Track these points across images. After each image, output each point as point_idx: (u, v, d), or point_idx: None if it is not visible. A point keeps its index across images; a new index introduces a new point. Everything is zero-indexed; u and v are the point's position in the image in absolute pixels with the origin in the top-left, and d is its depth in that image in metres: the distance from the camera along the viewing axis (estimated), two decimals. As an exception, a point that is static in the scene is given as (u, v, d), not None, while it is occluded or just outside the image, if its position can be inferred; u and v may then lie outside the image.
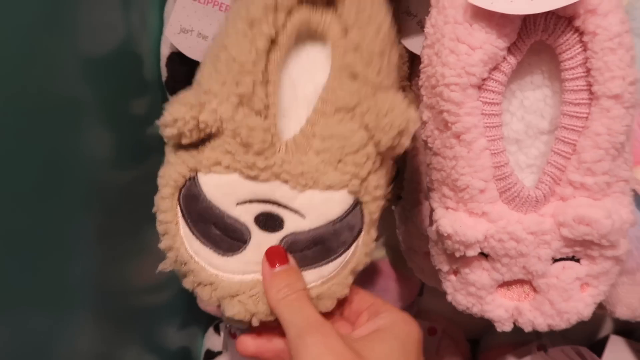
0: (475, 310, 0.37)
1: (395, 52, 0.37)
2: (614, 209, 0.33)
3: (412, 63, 0.52)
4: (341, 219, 0.34)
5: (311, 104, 0.35)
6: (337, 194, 0.34)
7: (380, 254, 0.63)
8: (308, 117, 0.35)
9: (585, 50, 0.32)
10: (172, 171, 0.34)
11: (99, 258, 0.46)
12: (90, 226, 0.44)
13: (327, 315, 0.35)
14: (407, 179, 0.49)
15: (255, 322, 0.34)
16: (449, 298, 0.38)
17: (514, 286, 0.36)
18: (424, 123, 0.37)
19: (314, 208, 0.34)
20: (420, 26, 0.48)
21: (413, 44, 0.48)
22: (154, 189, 0.55)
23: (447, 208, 0.36)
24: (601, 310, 0.44)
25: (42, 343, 0.39)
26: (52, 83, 0.38)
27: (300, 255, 0.34)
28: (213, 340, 0.71)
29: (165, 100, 0.53)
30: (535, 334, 0.64)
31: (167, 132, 0.33)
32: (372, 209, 0.35)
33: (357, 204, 0.35)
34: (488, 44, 0.32)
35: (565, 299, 0.34)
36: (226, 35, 0.35)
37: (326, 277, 0.35)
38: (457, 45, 0.33)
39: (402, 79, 0.51)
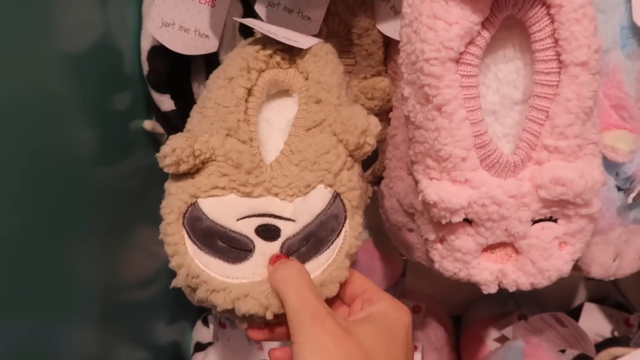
0: (462, 275, 0.39)
1: (350, 89, 0.44)
2: (586, 170, 0.35)
3: (386, 48, 0.54)
4: (325, 211, 0.38)
5: (286, 133, 0.41)
6: (316, 191, 0.38)
7: (364, 236, 0.65)
8: (285, 141, 0.40)
9: (552, 22, 0.35)
10: (174, 200, 0.38)
11: (85, 255, 0.46)
12: (75, 223, 0.44)
13: (331, 299, 0.38)
14: (388, 157, 0.50)
15: (269, 315, 0.35)
16: (436, 266, 0.40)
17: (497, 249, 0.38)
18: (405, 99, 0.38)
19: (301, 211, 0.38)
20: (394, 11, 0.50)
21: (387, 28, 0.50)
22: (140, 184, 0.56)
23: (431, 179, 0.37)
24: (577, 272, 0.47)
25: (32, 340, 0.39)
26: (32, 81, 0.38)
27: (298, 254, 0.37)
28: (202, 333, 0.71)
29: (147, 94, 0.54)
30: (515, 306, 0.67)
31: (167, 161, 0.36)
32: (351, 197, 0.38)
33: (336, 196, 0.38)
34: (463, 19, 0.34)
35: (545, 257, 0.37)
36: (209, 92, 0.42)
37: (325, 264, 0.37)
38: (434, 22, 0.34)
39: (378, 64, 0.53)
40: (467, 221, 0.37)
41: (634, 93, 0.42)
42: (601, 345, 0.63)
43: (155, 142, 0.58)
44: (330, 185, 0.38)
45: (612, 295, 0.72)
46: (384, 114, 0.54)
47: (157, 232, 0.39)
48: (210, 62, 0.53)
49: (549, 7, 0.35)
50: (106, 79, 0.49)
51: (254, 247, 0.37)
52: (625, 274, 0.48)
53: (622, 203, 0.44)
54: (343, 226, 0.38)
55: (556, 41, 0.35)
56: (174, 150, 0.36)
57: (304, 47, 0.42)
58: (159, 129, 0.54)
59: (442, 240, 0.39)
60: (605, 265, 0.46)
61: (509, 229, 0.36)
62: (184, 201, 0.37)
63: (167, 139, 0.54)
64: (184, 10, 0.50)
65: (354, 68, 0.53)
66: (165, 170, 0.37)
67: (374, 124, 0.38)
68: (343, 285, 0.38)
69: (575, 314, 0.71)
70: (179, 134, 0.38)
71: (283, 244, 0.37)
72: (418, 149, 0.38)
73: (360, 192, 0.39)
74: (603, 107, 0.42)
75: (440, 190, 0.36)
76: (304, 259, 0.37)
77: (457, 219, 0.36)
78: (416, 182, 0.39)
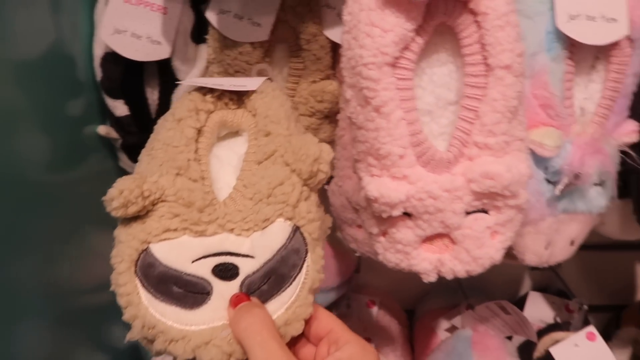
0: (404, 265, 0.41)
1: (299, 122, 0.44)
2: (513, 164, 0.38)
3: (334, 52, 0.56)
4: (285, 246, 0.37)
5: (237, 169, 0.40)
6: (275, 225, 0.37)
7: (318, 234, 0.67)
8: (238, 176, 0.39)
9: (479, 28, 0.38)
10: (124, 248, 0.36)
11: (40, 260, 0.46)
12: (31, 229, 0.44)
13: (297, 338, 0.37)
14: (337, 157, 0.53)
15: None
16: (380, 258, 0.43)
17: (435, 240, 0.41)
18: (347, 101, 0.41)
19: (260, 247, 0.37)
20: (340, 17, 0.52)
21: (334, 34, 0.53)
22: (94, 189, 0.56)
23: (372, 175, 0.40)
24: (513, 260, 0.50)
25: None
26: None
27: (259, 292, 0.36)
28: (162, 335, 0.72)
29: (101, 99, 0.55)
30: (464, 296, 0.70)
31: (114, 204, 0.35)
32: (311, 230, 0.37)
33: (296, 229, 0.37)
34: (398, 26, 0.37)
35: (478, 246, 0.39)
36: (157, 134, 0.41)
37: (288, 302, 0.36)
38: (371, 29, 0.37)
39: (326, 68, 0.55)
40: (407, 215, 0.40)
41: (559, 93, 0.45)
42: (544, 331, 0.67)
43: (110, 147, 0.58)
44: (290, 219, 0.37)
45: (554, 284, 0.76)
46: (333, 115, 0.56)
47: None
48: (163, 67, 0.54)
49: (475, 14, 0.38)
50: (59, 85, 0.50)
51: (212, 289, 0.36)
52: (558, 261, 0.52)
53: (551, 195, 0.47)
54: (305, 260, 0.37)
55: (483, 46, 0.38)
56: (121, 192, 0.35)
57: (253, 88, 0.42)
58: (114, 134, 0.55)
59: (384, 234, 0.42)
60: (538, 253, 0.49)
61: (445, 221, 0.39)
62: (135, 248, 0.36)
63: (121, 143, 0.56)
64: (136, 17, 0.51)
65: (304, 72, 0.55)
66: (113, 214, 0.35)
67: (326, 151, 0.38)
68: (308, 322, 0.37)
69: (522, 302, 0.75)
70: (127, 176, 0.37)
71: (242, 282, 0.36)
72: (360, 148, 0.41)
73: (320, 222, 0.39)
74: (531, 106, 0.45)
75: (380, 186, 0.38)
76: (266, 297, 0.36)
77: (396, 212, 0.39)
78: (360, 179, 0.42)
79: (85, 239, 0.55)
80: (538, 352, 0.65)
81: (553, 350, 0.61)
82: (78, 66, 0.53)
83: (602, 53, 0.48)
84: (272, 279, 0.36)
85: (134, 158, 0.57)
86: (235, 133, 0.44)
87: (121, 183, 0.35)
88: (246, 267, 0.36)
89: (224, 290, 0.36)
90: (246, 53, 0.52)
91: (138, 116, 0.54)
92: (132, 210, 0.35)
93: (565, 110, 0.46)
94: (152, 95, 0.56)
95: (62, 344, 0.51)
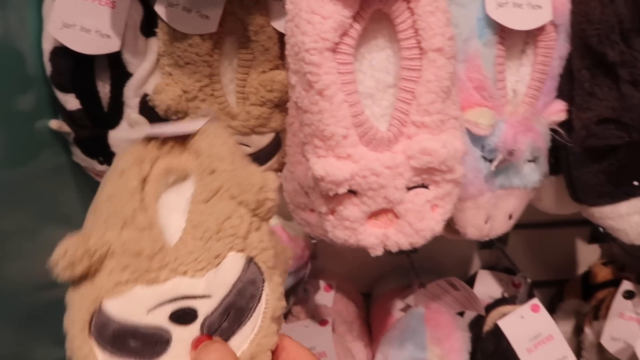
0: (352, 241, 0.44)
1: (244, 156, 0.42)
2: (448, 141, 0.41)
3: (282, 43, 0.58)
4: (240, 278, 0.36)
5: (186, 212, 0.38)
6: (227, 260, 0.36)
7: (275, 221, 0.69)
8: (186, 219, 0.38)
9: (412, 14, 0.40)
10: (76, 312, 0.34)
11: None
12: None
13: None
14: (288, 144, 0.54)
15: None
16: (330, 235, 0.45)
17: (380, 215, 0.43)
18: (293, 87, 0.43)
19: (215, 284, 0.35)
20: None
21: (281, 24, 0.55)
22: (50, 183, 0.57)
23: (319, 156, 0.42)
24: (456, 235, 0.53)
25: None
26: None
27: (220, 331, 0.35)
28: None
29: (53, 93, 0.55)
30: (416, 276, 0.73)
31: (60, 265, 0.33)
32: (265, 259, 0.37)
33: (249, 260, 0.36)
34: (336, 13, 0.39)
35: (420, 219, 0.42)
36: (101, 190, 0.39)
37: (251, 335, 0.35)
38: (312, 16, 0.39)
39: (275, 58, 0.57)
40: (352, 192, 0.42)
41: (492, 76, 0.49)
42: (492, 305, 0.71)
43: (64, 141, 0.59)
44: (242, 250, 0.36)
45: (501, 262, 0.80)
46: (283, 104, 0.58)
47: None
48: (114, 61, 0.55)
49: (408, 1, 0.40)
50: (9, 81, 0.50)
51: (171, 336, 0.34)
52: (498, 234, 0.55)
53: (488, 171, 0.50)
54: (262, 290, 0.36)
55: (416, 31, 0.40)
56: (65, 252, 0.33)
57: (194, 130, 0.41)
58: (66, 128, 0.56)
59: (332, 212, 0.44)
60: (478, 226, 0.52)
61: (388, 196, 0.41)
62: (87, 308, 0.34)
63: (74, 137, 0.56)
64: (84, 11, 0.51)
65: (253, 63, 0.57)
66: (60, 277, 0.34)
67: (271, 179, 0.37)
68: (275, 353, 0.36)
69: (472, 281, 0.78)
70: (70, 235, 0.35)
71: (202, 324, 0.35)
72: (307, 131, 0.43)
73: (275, 251, 0.38)
74: (466, 88, 0.48)
75: (326, 166, 0.41)
76: (228, 334, 0.35)
77: (342, 190, 0.41)
78: (308, 160, 0.44)
79: (39, 234, 0.55)
80: (487, 325, 0.68)
81: (501, 323, 0.65)
82: (27, 61, 0.53)
83: (530, 38, 0.51)
84: (231, 314, 0.35)
85: (87, 152, 0.57)
86: (184, 177, 0.42)
87: (65, 243, 0.33)
88: (204, 308, 0.35)
89: (183, 336, 0.34)
90: (196, 45, 0.54)
91: (90, 110, 0.55)
92: (79, 269, 0.33)
93: (498, 92, 0.49)
94: (104, 89, 0.57)
95: (23, 342, 0.51)
